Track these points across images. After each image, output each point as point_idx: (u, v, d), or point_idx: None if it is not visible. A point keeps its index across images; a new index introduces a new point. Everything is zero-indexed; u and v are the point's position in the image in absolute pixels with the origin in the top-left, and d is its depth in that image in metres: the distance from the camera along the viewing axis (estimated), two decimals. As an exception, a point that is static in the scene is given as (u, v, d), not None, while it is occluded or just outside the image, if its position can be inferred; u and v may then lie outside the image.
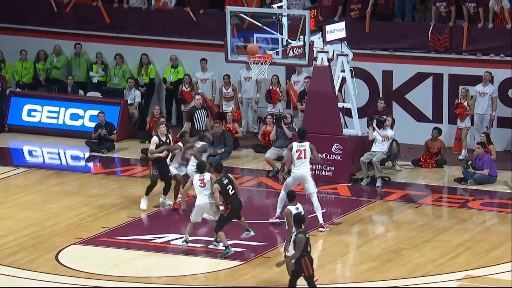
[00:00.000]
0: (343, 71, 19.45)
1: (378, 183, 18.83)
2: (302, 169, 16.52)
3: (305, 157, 16.51)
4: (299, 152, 16.51)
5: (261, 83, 21.76)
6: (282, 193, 16.62)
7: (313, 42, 18.45)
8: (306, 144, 16.56)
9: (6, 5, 23.61)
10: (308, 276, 13.28)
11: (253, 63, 18.38)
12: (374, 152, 19.01)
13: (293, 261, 13.31)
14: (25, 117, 22.64)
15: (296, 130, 18.66)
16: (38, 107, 22.68)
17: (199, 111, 20.63)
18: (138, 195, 17.91)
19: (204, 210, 15.68)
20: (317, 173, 18.87)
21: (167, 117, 21.87)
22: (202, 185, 15.57)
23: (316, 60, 18.97)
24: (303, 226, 13.47)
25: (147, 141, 20.37)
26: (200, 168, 15.76)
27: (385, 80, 21.37)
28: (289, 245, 13.66)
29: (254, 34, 18.37)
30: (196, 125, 20.53)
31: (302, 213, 14.24)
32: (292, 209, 14.37)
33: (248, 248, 15.73)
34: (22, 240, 16.05)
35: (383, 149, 19.08)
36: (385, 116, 19.40)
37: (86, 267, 15.01)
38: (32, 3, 23.64)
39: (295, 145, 16.63)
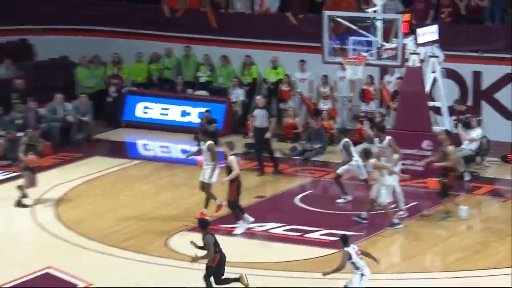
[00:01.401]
0: (434, 72, 18.94)
1: (467, 177, 18.18)
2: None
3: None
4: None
5: (355, 83, 21.33)
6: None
7: (405, 44, 18.00)
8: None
9: (123, 12, 23.74)
10: (213, 270, 12.92)
11: (348, 64, 18.05)
12: (463, 148, 18.42)
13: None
14: (139, 113, 22.73)
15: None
16: (151, 105, 22.74)
17: (260, 110, 19.21)
18: (246, 185, 17.66)
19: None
20: (409, 168, 18.38)
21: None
22: None
23: (408, 61, 18.51)
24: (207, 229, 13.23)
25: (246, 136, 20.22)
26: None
27: (475, 80, 20.75)
28: None
29: (350, 37, 18.03)
30: (255, 123, 19.16)
31: None
32: None
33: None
34: (136, 227, 16.03)
35: (472, 147, 18.47)
36: (469, 116, 18.80)
37: (194, 252, 14.85)
38: (147, 10, 23.70)
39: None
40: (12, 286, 13.59)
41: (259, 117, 18.82)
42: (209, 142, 16.40)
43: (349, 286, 12.64)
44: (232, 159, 15.70)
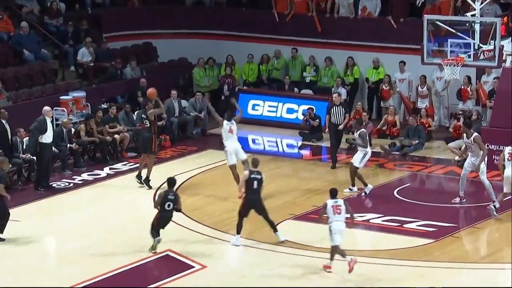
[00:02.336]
0: (530, 72, 18.40)
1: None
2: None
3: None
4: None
5: (449, 83, 20.87)
6: (463, 174, 16.16)
7: (503, 46, 17.56)
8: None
9: (238, 17, 24.00)
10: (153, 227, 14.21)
11: (447, 65, 17.76)
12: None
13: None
14: (250, 110, 22.93)
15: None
16: (261, 102, 22.91)
17: (337, 107, 19.10)
18: (343, 179, 17.69)
19: None
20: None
21: (369, 113, 21.53)
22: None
23: (505, 62, 18.07)
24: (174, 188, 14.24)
25: (350, 132, 20.10)
26: None
27: None
28: None
29: (449, 40, 17.72)
30: (332, 119, 19.07)
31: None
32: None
33: (438, 228, 15.15)
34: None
35: None
36: None
37: (299, 239, 14.96)
38: (259, 14, 23.93)
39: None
40: (136, 266, 13.98)
41: (336, 114, 18.82)
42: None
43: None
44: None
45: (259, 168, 14.70)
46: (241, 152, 17.24)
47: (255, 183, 14.51)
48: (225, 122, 17.21)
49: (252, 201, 14.58)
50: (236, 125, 17.35)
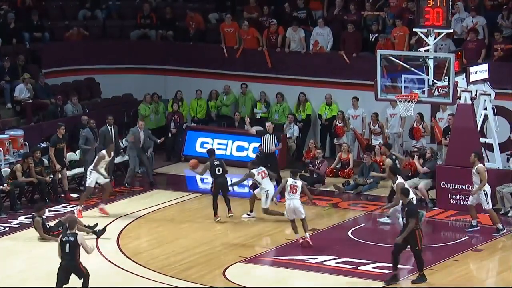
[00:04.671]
0: (485, 109, 18.64)
1: (511, 213, 17.86)
2: None
3: None
4: None
5: (405, 119, 21.08)
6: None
7: (457, 82, 17.78)
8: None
9: (186, 52, 23.94)
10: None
11: (401, 101, 17.89)
12: (508, 185, 18.06)
13: None
14: (198, 148, 22.78)
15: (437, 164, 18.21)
16: (210, 140, 22.78)
17: (269, 135, 19.87)
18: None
19: None
20: (460, 203, 18.09)
21: (323, 149, 21.57)
22: None
23: (460, 99, 18.26)
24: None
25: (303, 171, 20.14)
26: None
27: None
28: None
29: (402, 75, 17.87)
30: (263, 147, 19.89)
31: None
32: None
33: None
34: (195, 257, 15.99)
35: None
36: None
37: (249, 283, 14.77)
38: (207, 49, 23.89)
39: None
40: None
41: (267, 142, 19.55)
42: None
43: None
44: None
45: None
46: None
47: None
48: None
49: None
50: None
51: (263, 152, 19.89)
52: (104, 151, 18.39)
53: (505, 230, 16.85)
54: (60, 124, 19.88)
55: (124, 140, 21.30)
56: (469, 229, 17.04)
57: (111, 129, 20.21)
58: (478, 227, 17.03)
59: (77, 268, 13.53)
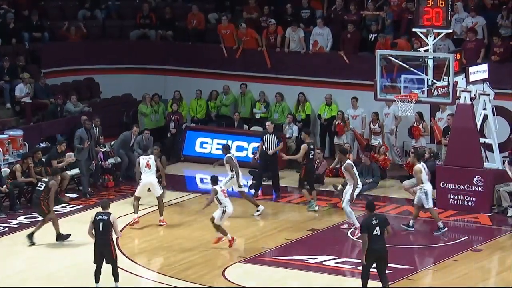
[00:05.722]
0: (485, 109, 18.72)
1: (509, 212, 17.93)
2: None
3: None
4: None
5: (400, 118, 21.09)
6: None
7: (456, 82, 17.86)
8: None
9: (186, 52, 23.99)
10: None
11: (400, 101, 17.96)
12: (508, 184, 18.16)
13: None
14: (198, 148, 22.88)
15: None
16: (209, 140, 22.87)
17: (269, 135, 19.95)
18: (294, 219, 17.67)
19: None
20: (459, 203, 18.18)
21: (322, 149, 21.65)
22: None
23: (459, 99, 18.34)
24: None
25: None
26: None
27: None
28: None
29: (402, 75, 17.96)
30: (264, 146, 19.92)
31: None
32: None
33: (394, 270, 15.18)
34: (194, 257, 16.06)
35: (520, 183, 18.24)
36: None
37: (249, 283, 14.85)
38: (207, 49, 23.95)
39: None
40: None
41: (268, 142, 19.58)
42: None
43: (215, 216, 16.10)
44: None
45: None
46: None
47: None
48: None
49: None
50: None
51: (264, 151, 19.85)
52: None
53: (446, 228, 16.89)
54: (62, 140, 19.98)
55: (111, 143, 21.29)
56: (406, 228, 17.20)
57: (91, 131, 19.97)
58: (413, 229, 17.10)
59: (109, 250, 14.04)
